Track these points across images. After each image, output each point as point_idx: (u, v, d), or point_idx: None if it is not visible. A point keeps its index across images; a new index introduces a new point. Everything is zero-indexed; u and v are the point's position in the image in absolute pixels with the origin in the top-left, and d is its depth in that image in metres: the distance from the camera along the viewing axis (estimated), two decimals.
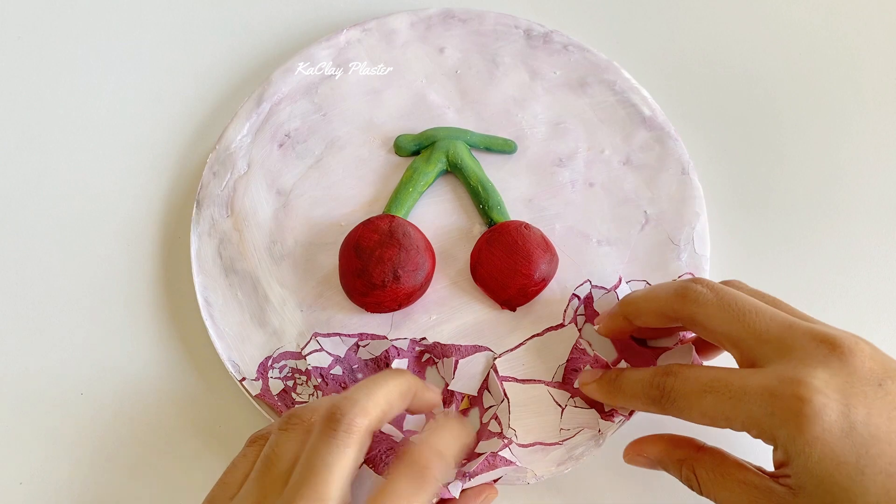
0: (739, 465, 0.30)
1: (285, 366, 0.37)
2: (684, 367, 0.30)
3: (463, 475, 0.34)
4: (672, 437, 0.32)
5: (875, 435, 0.26)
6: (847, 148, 0.44)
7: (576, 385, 0.36)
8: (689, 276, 0.33)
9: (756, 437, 0.28)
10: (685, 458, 0.31)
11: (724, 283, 0.33)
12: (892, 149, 0.44)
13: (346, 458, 0.28)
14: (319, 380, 0.37)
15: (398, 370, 0.34)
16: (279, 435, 0.30)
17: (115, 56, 0.46)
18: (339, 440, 0.28)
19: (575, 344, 0.36)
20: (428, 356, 0.37)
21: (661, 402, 0.30)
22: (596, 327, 0.35)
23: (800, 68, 0.46)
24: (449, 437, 0.30)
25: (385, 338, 0.37)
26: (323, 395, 0.36)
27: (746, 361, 0.30)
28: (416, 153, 0.41)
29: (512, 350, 0.37)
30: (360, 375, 0.37)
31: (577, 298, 0.38)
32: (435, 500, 0.33)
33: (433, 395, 0.33)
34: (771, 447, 0.28)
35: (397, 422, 0.36)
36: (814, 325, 0.29)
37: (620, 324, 0.34)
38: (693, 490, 0.31)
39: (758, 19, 0.47)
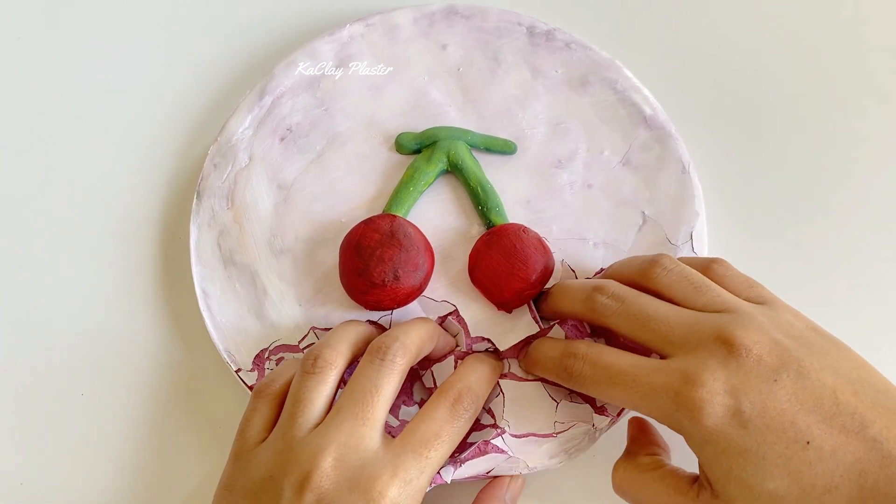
0: (677, 477, 0.31)
1: (282, 358, 0.37)
2: (591, 350, 0.33)
3: (455, 461, 0.34)
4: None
5: (770, 425, 0.28)
6: (848, 147, 0.44)
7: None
8: (595, 281, 0.35)
9: (668, 427, 0.30)
10: (625, 455, 0.34)
11: (711, 260, 0.34)
12: (893, 147, 0.44)
13: (391, 383, 0.31)
14: None
15: (424, 318, 0.37)
16: (306, 378, 0.32)
17: (118, 47, 0.46)
18: (386, 367, 0.32)
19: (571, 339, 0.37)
20: (416, 367, 0.37)
21: (571, 384, 0.33)
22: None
23: (801, 68, 0.46)
24: (477, 376, 0.34)
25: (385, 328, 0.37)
26: None
27: (657, 354, 0.32)
28: (417, 152, 0.41)
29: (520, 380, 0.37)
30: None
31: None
32: (430, 487, 0.34)
33: (449, 341, 0.37)
34: None
35: (393, 411, 0.36)
36: (717, 322, 0.30)
37: (546, 311, 0.37)
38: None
39: (759, 19, 0.47)
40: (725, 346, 0.29)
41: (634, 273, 0.35)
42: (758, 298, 0.33)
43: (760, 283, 0.34)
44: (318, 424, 0.31)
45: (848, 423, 0.28)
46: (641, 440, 0.34)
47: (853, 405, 0.28)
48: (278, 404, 0.33)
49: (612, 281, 0.34)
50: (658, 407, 0.30)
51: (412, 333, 0.33)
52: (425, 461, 0.30)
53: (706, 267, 0.34)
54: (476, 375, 0.34)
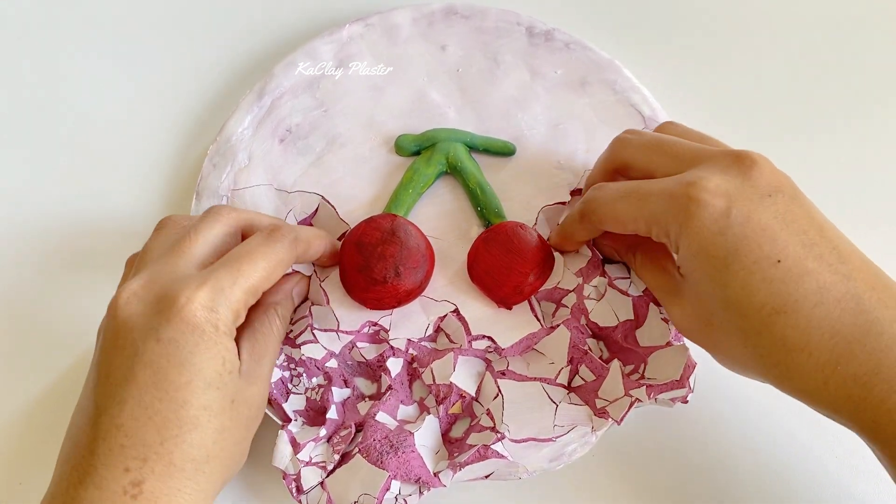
0: (666, 254, 0.34)
1: (281, 351, 0.37)
2: (611, 182, 0.34)
3: (454, 465, 0.34)
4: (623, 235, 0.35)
5: (747, 235, 0.28)
6: (848, 148, 0.44)
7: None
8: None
9: (656, 236, 0.31)
10: (633, 244, 0.36)
11: (660, 126, 0.36)
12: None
13: (212, 228, 0.32)
14: (322, 376, 0.37)
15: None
16: (152, 236, 0.33)
17: (118, 47, 0.46)
18: (210, 217, 0.32)
19: (573, 343, 0.37)
20: (415, 365, 0.37)
21: (587, 214, 0.34)
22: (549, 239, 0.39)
23: (803, 67, 0.46)
24: (302, 229, 0.35)
25: (384, 340, 0.38)
26: (325, 393, 0.37)
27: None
28: (416, 153, 0.41)
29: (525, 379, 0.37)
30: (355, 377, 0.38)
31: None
32: (426, 490, 0.34)
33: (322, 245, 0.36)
34: None
35: (391, 410, 0.36)
36: (727, 147, 0.32)
37: (576, 227, 0.36)
38: (632, 268, 0.36)
39: (761, 19, 0.47)
40: (731, 157, 0.30)
41: (610, 156, 0.36)
42: None
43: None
44: (199, 254, 0.32)
45: (825, 254, 0.28)
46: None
47: (836, 241, 0.29)
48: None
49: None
50: (652, 211, 0.31)
51: (245, 212, 0.34)
52: (237, 272, 0.30)
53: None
54: (300, 229, 0.34)
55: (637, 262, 0.36)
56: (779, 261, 0.28)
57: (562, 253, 0.38)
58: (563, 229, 0.37)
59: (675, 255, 0.32)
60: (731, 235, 0.29)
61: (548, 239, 0.39)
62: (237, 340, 0.31)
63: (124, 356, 0.28)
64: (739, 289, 0.29)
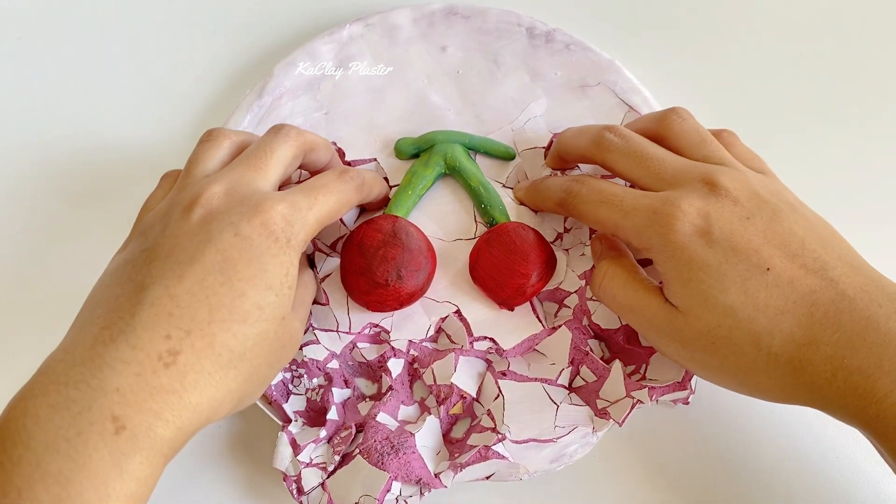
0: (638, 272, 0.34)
1: None
2: (593, 178, 0.35)
3: (455, 466, 0.34)
4: (608, 239, 0.37)
5: (735, 248, 0.30)
6: (850, 151, 0.44)
7: (513, 196, 0.40)
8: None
9: (637, 245, 0.32)
10: (610, 256, 0.36)
11: (670, 110, 0.36)
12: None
13: (286, 149, 0.33)
14: (322, 377, 0.37)
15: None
16: (200, 146, 0.34)
17: (118, 47, 0.46)
18: (281, 137, 0.33)
19: (575, 344, 0.37)
20: (416, 366, 0.37)
21: (567, 204, 0.35)
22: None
23: (804, 68, 0.46)
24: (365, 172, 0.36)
25: (385, 341, 0.38)
26: (325, 394, 0.37)
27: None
28: (415, 156, 0.41)
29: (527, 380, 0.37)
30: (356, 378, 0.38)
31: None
32: (427, 491, 0.34)
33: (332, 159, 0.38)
34: None
35: (392, 410, 0.36)
36: (706, 168, 0.32)
37: (557, 162, 0.39)
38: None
39: (762, 20, 0.47)
40: (708, 185, 0.31)
41: (650, 120, 0.36)
42: (759, 169, 0.34)
43: (764, 160, 0.35)
44: (274, 173, 0.33)
45: (809, 264, 0.30)
46: (618, 248, 0.36)
47: (818, 252, 0.30)
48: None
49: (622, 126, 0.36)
50: (634, 224, 0.32)
51: (307, 133, 0.35)
52: (314, 199, 0.32)
53: (718, 133, 0.36)
54: (364, 173, 0.36)
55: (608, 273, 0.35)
56: (768, 269, 0.29)
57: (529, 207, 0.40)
58: (534, 196, 0.38)
59: (658, 271, 0.32)
60: (718, 248, 0.30)
61: (514, 189, 0.40)
62: None
63: (196, 240, 0.29)
64: (741, 293, 0.29)
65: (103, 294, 0.28)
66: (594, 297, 0.37)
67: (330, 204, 0.32)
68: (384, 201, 0.39)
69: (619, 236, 0.33)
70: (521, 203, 0.40)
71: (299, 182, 0.38)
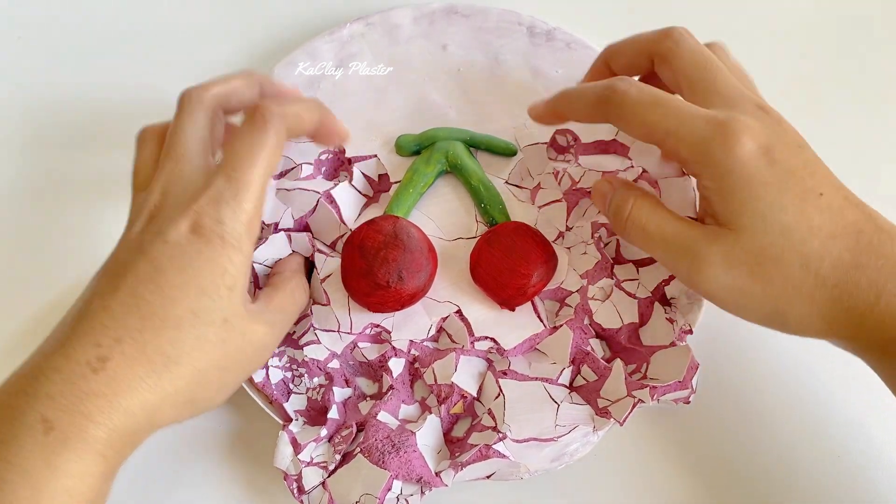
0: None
1: (283, 352, 0.37)
2: (636, 81, 0.33)
3: (456, 465, 0.34)
4: (619, 178, 0.36)
5: (793, 172, 0.30)
6: (851, 152, 0.44)
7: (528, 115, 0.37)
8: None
9: (688, 156, 0.31)
10: (632, 190, 0.34)
11: (709, 43, 0.35)
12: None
13: (192, 121, 0.32)
14: (323, 376, 0.37)
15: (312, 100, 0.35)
16: (177, 117, 0.32)
17: (118, 47, 0.46)
18: (183, 109, 0.32)
19: (576, 343, 0.37)
20: (417, 365, 0.37)
21: (611, 103, 0.32)
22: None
23: (806, 69, 0.46)
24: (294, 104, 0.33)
25: (386, 341, 0.38)
26: (326, 393, 0.37)
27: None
28: (416, 153, 0.41)
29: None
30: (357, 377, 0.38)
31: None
32: (428, 490, 0.34)
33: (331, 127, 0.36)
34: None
35: (393, 409, 0.36)
36: (758, 98, 0.33)
37: (551, 118, 0.36)
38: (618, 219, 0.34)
39: (763, 20, 0.47)
40: (763, 111, 0.32)
41: (644, 43, 0.35)
42: (751, 89, 0.35)
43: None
44: (196, 153, 0.31)
45: (850, 197, 0.31)
46: (633, 185, 0.35)
47: (853, 192, 0.31)
48: (158, 139, 0.33)
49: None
50: (692, 133, 0.31)
51: (215, 84, 0.33)
52: (236, 182, 0.30)
53: (710, 44, 0.35)
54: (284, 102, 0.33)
55: (644, 214, 0.33)
56: (821, 194, 0.30)
57: (540, 122, 0.37)
58: (563, 103, 0.35)
59: (706, 188, 0.31)
60: (779, 168, 0.30)
61: (531, 108, 0.36)
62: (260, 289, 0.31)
63: (129, 252, 0.29)
64: (798, 213, 0.30)
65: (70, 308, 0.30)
66: (616, 234, 0.35)
67: (257, 175, 0.30)
68: (328, 135, 0.36)
69: (665, 146, 0.32)
70: (538, 120, 0.37)
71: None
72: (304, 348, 0.37)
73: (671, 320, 0.36)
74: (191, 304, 0.28)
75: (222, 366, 0.30)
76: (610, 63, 0.37)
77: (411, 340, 0.37)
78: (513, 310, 0.38)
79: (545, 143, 0.41)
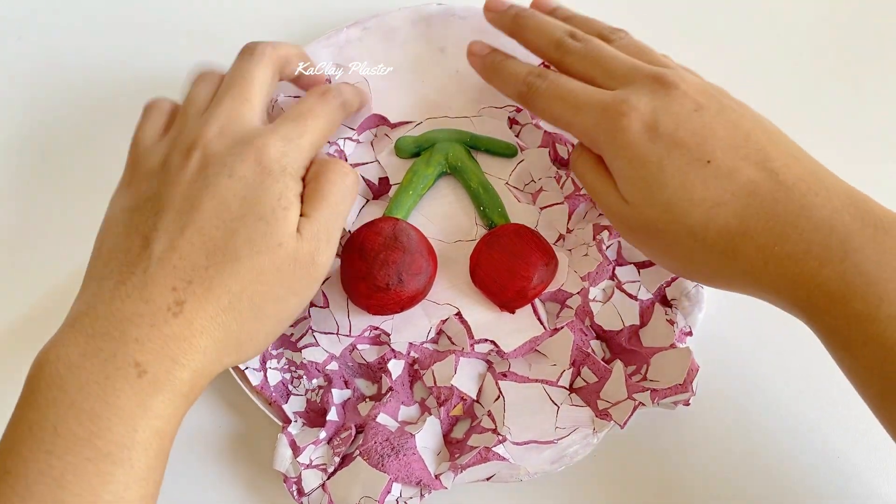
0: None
1: (282, 354, 0.37)
2: (554, 73, 0.36)
3: (456, 467, 0.34)
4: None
5: (677, 142, 0.31)
6: (852, 154, 0.44)
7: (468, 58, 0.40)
8: None
9: (587, 143, 0.34)
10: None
11: (614, 30, 0.37)
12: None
13: (262, 72, 0.35)
14: (322, 378, 0.37)
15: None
16: (193, 84, 0.36)
17: (118, 48, 0.46)
18: (255, 59, 0.35)
19: (577, 345, 0.37)
20: (416, 367, 0.37)
21: (526, 97, 0.36)
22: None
23: (807, 70, 0.46)
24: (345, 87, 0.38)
25: (385, 343, 0.37)
26: (325, 394, 0.36)
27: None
28: (416, 155, 0.41)
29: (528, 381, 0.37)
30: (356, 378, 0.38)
31: None
32: (427, 493, 0.34)
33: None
34: None
35: (392, 411, 0.36)
36: (655, 68, 0.34)
37: (482, 75, 0.40)
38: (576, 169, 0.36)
39: (765, 21, 0.47)
40: (658, 82, 0.33)
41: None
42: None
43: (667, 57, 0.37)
44: (259, 101, 0.34)
45: (752, 155, 0.31)
46: None
47: (762, 143, 0.31)
48: (169, 113, 0.35)
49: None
50: (583, 122, 0.33)
51: (283, 45, 0.37)
52: (303, 126, 0.33)
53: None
54: (343, 89, 0.37)
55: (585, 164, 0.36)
56: (708, 161, 0.31)
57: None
58: (494, 78, 0.39)
59: (610, 169, 0.33)
60: (661, 143, 0.31)
61: (468, 51, 0.40)
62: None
63: (194, 188, 0.30)
64: (679, 188, 0.31)
65: (114, 245, 0.30)
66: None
67: (319, 128, 0.34)
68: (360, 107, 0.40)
69: (572, 134, 0.35)
70: (473, 66, 0.40)
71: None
72: (303, 351, 0.37)
73: (671, 322, 0.36)
74: (248, 232, 0.30)
75: (279, 295, 0.31)
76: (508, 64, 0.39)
77: (410, 342, 0.37)
78: (513, 312, 0.38)
79: (546, 147, 0.41)
